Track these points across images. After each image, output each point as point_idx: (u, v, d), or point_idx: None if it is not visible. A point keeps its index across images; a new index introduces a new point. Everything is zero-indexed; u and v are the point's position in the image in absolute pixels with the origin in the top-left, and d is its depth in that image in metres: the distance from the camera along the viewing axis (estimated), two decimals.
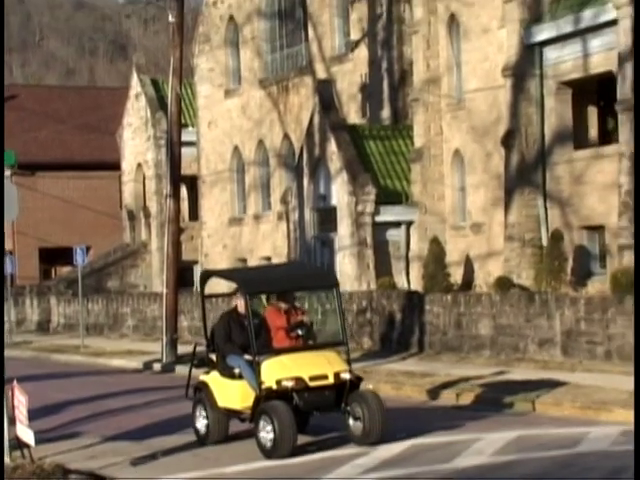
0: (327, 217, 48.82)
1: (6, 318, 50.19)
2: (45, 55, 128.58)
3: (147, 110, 70.34)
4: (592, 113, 42.49)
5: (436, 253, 43.70)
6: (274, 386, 18.66)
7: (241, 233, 61.91)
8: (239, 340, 20.09)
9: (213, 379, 20.40)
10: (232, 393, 19.87)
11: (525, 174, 41.75)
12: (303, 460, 19.30)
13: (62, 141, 78.70)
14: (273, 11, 60.74)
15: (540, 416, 24.19)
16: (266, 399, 18.71)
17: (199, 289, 22.58)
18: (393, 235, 47.28)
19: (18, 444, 18.86)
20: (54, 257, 74.83)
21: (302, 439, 19.87)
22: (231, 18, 63.04)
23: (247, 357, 19.66)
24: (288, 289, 21.34)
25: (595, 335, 31.84)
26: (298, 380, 18.69)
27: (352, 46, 53.71)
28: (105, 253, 71.61)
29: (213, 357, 20.68)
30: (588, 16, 39.27)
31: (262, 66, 61.15)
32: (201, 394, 20.64)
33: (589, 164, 40.18)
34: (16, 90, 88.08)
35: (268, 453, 18.55)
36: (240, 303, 20.59)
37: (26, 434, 18.72)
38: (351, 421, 19.07)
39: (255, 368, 19.22)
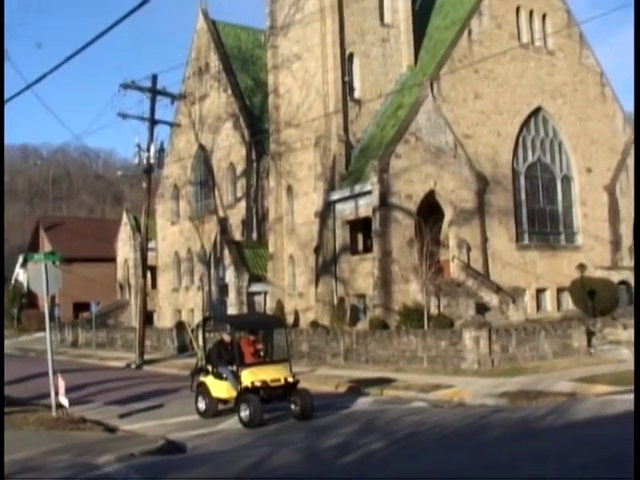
0: (223, 289, 48.23)
1: (55, 338, 48.36)
2: (79, 202, 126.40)
3: (131, 232, 69.03)
4: (360, 237, 42.88)
5: (280, 308, 43.43)
6: (249, 385, 17.63)
7: (178, 296, 60.62)
8: (225, 358, 18.82)
9: (209, 380, 19.07)
10: (221, 389, 18.63)
11: (326, 267, 41.88)
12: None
13: (86, 247, 77.28)
14: (197, 181, 60.12)
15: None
16: (244, 393, 17.66)
17: (202, 327, 20.53)
18: (258, 298, 46.83)
19: (59, 406, 18.31)
20: (80, 307, 72.47)
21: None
22: (175, 185, 62.37)
23: (231, 368, 18.46)
24: (257, 328, 20.06)
25: (361, 351, 31.87)
26: (264, 382, 17.67)
27: (237, 200, 53.63)
28: (107, 305, 69.81)
29: (209, 367, 19.24)
30: (358, 188, 39.80)
31: (191, 209, 60.42)
32: (201, 388, 19.27)
33: (358, 263, 40.45)
34: (63, 220, 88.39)
35: (246, 425, 17.19)
36: (227, 337, 19.28)
37: (64, 400, 18.29)
38: (293, 406, 17.98)
39: (236, 375, 18.09)
